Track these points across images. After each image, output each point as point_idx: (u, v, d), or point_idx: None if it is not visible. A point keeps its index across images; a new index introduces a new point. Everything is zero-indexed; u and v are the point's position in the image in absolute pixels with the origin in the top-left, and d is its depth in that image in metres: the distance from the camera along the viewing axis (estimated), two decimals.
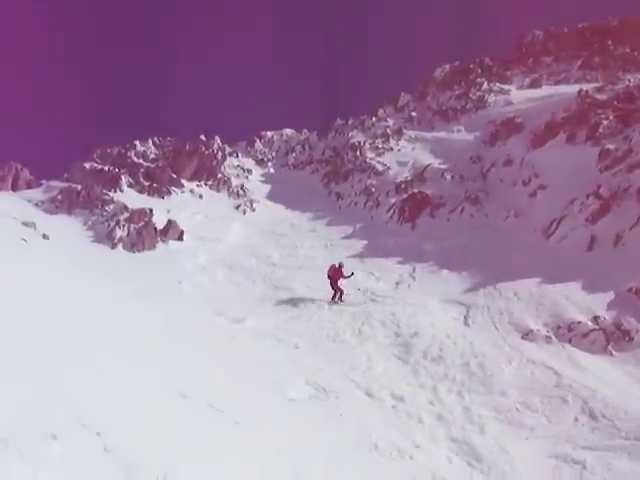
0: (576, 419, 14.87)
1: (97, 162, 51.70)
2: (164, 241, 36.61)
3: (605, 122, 36.75)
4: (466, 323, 21.90)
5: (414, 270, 28.76)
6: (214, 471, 7.97)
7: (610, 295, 21.84)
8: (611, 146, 33.03)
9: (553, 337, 20.24)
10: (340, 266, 25.64)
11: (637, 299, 21.26)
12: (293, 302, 25.00)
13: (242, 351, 18.61)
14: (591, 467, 12.56)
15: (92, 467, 6.10)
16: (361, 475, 11.04)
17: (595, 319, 20.56)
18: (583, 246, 26.64)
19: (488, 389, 16.68)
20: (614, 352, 19.10)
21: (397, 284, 27.14)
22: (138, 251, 34.84)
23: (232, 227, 40.83)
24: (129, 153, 54.08)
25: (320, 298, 25.12)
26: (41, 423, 6.34)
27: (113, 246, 35.20)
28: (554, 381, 16.78)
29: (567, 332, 20.35)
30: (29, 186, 47.83)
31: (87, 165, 50.39)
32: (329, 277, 25.51)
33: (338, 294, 25.18)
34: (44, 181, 48.73)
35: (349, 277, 25.66)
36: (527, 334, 20.56)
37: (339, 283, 25.36)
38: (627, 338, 19.52)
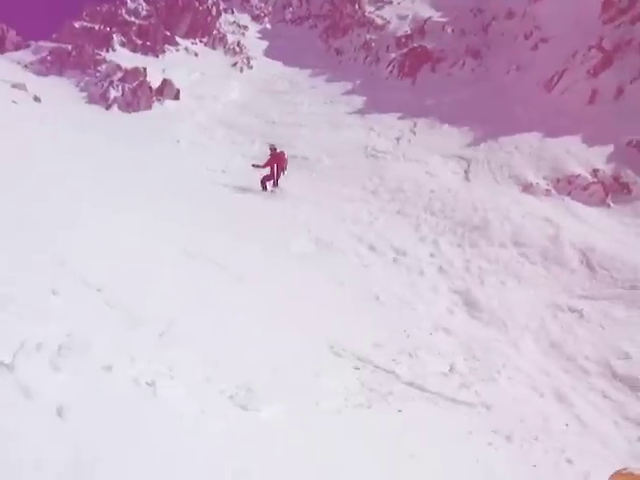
0: (574, 270, 15.08)
1: (86, 21, 50.27)
2: (160, 100, 36.02)
3: None
4: (467, 177, 21.93)
5: (415, 125, 28.50)
6: (216, 322, 8.11)
7: (610, 148, 21.75)
8: None
9: (553, 190, 20.32)
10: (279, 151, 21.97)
11: (636, 152, 21.19)
12: (293, 159, 24.87)
13: (244, 209, 18.65)
14: (588, 315, 12.85)
15: (94, 320, 6.15)
16: (362, 324, 11.27)
17: (594, 172, 20.57)
18: (584, 99, 26.26)
19: (488, 242, 16.83)
20: (612, 204, 19.22)
21: (398, 139, 26.95)
22: (134, 111, 34.37)
23: (230, 85, 40.08)
24: (120, 10, 52.35)
25: (320, 155, 25.05)
26: (40, 280, 6.35)
27: (108, 107, 34.70)
28: (553, 233, 16.91)
29: (567, 185, 20.41)
30: (17, 47, 46.46)
31: (76, 24, 48.96)
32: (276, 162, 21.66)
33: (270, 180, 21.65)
34: (32, 42, 47.27)
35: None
36: (527, 187, 20.62)
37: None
38: (625, 191, 19.60)
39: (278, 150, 21.89)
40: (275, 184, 21.63)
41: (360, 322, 11.43)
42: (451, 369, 10.06)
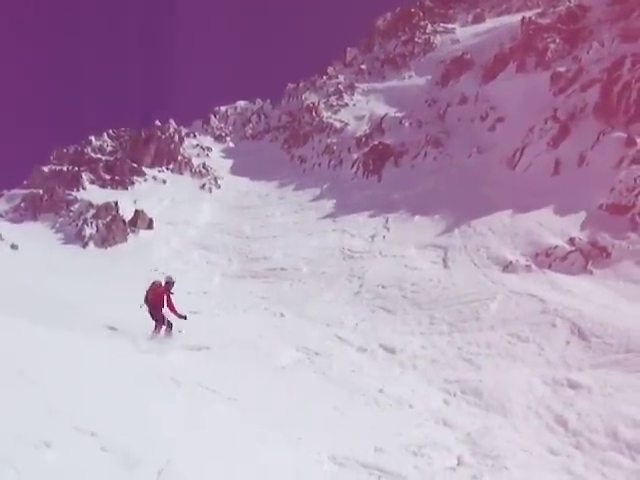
0: (567, 342, 14.99)
1: (55, 163, 50.89)
2: (134, 232, 36.29)
3: (552, 46, 36.95)
4: (446, 265, 22.02)
5: (387, 221, 28.79)
6: (214, 450, 7.92)
7: (582, 215, 22.01)
8: (562, 69, 33.22)
9: (533, 265, 20.42)
10: (167, 283, 15.97)
11: (608, 215, 21.45)
12: (272, 271, 24.95)
13: (228, 328, 18.51)
14: (588, 386, 12.67)
15: (90, 469, 6.01)
16: (362, 429, 11.04)
17: (571, 241, 20.74)
18: (549, 171, 26.76)
19: (477, 326, 16.78)
20: (594, 270, 19.30)
21: (372, 237, 27.18)
22: (110, 246, 34.58)
23: (200, 207, 40.53)
24: (86, 149, 53.17)
25: (297, 263, 25.11)
26: (32, 433, 6.22)
27: (84, 245, 34.90)
28: (540, 308, 16.90)
29: (545, 258, 20.53)
30: None
31: (45, 168, 49.60)
32: (147, 302, 15.84)
33: (160, 326, 15.68)
34: (5, 191, 47.80)
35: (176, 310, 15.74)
36: (507, 266, 20.70)
37: (163, 310, 15.70)
38: (604, 254, 19.72)
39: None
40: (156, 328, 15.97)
41: (360, 427, 11.21)
42: (459, 463, 9.82)
